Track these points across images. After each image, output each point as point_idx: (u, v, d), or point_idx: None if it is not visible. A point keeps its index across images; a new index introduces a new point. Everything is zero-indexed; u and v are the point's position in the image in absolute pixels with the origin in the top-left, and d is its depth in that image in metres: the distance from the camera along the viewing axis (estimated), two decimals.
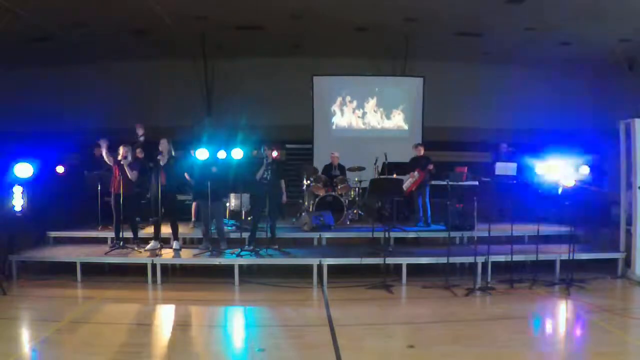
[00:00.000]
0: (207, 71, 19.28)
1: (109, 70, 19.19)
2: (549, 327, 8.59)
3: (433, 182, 13.87)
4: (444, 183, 12.34)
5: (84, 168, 14.32)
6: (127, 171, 11.81)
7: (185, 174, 12.51)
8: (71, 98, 18.91)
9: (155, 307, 9.90)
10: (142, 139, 12.95)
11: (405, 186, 13.29)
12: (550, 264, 11.28)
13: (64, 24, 15.39)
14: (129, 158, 11.93)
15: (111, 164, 12.01)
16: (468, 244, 12.76)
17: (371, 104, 19.02)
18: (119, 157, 11.92)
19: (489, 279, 10.64)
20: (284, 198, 12.56)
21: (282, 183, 12.43)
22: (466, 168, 14.17)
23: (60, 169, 14.76)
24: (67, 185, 14.49)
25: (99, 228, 13.43)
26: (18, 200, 11.31)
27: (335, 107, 19.01)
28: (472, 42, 17.24)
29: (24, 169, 11.09)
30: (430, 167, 13.73)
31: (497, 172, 14.30)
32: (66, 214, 14.21)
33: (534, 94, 19.07)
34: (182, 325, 8.65)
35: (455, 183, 12.65)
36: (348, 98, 19.05)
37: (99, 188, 13.29)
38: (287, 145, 18.92)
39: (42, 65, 18.89)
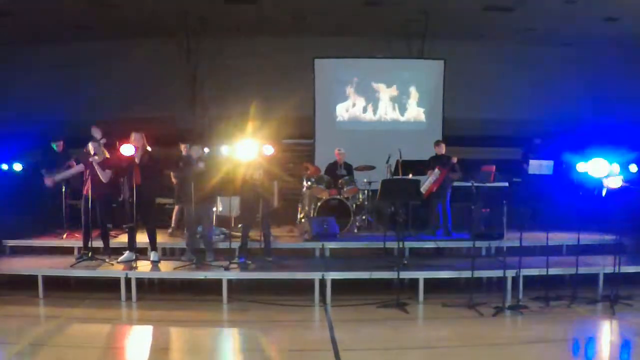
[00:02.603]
0: (190, 53, 19.29)
1: (72, 51, 19.16)
2: (590, 352, 8.54)
3: (455, 184, 13.85)
4: (468, 185, 12.27)
5: (43, 166, 14.31)
6: (97, 171, 11.81)
7: (172, 174, 12.54)
8: (26, 85, 18.90)
9: (129, 328, 9.88)
10: (102, 141, 12.76)
11: (423, 188, 13.29)
12: (592, 279, 11.21)
13: None
14: (100, 156, 11.93)
15: (80, 169, 12.07)
16: (496, 256, 12.75)
17: (383, 91, 19.00)
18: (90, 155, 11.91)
19: (520, 296, 10.59)
20: (275, 202, 12.55)
21: (274, 185, 12.43)
22: (494, 167, 14.13)
23: (17, 167, 14.79)
24: (25, 186, 14.52)
25: (64, 236, 13.44)
26: None
27: (340, 96, 19.01)
28: (502, 19, 17.23)
29: None
30: (454, 159, 13.69)
31: (530, 171, 14.29)
32: (25, 220, 14.21)
33: (572, 81, 19.09)
34: (161, 350, 8.61)
35: (481, 184, 12.63)
36: (356, 85, 19.04)
37: (64, 189, 13.32)
38: (284, 141, 18.91)
39: None
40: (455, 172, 13.80)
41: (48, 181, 12.17)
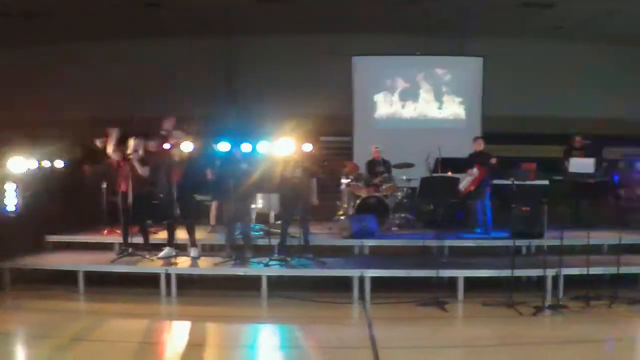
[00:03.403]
0: (230, 51, 19.39)
1: (114, 49, 19.37)
2: (630, 353, 8.48)
3: (495, 182, 13.82)
4: (508, 182, 12.24)
5: (85, 163, 14.49)
6: (136, 167, 11.96)
7: (208, 171, 12.64)
8: (71, 82, 19.12)
9: (168, 323, 10.03)
10: (164, 132, 12.70)
11: (462, 186, 13.29)
12: (634, 279, 11.17)
13: None
14: (140, 152, 12.09)
15: (118, 158, 12.19)
16: (536, 255, 12.70)
17: (422, 89, 18.99)
18: (128, 151, 12.06)
19: (560, 296, 10.53)
20: (314, 200, 12.61)
21: (314, 182, 12.48)
22: (534, 165, 14.07)
23: (59, 164, 14.97)
24: (67, 183, 14.71)
25: (104, 232, 13.65)
26: (11, 199, 11.49)
27: (379, 93, 19.03)
28: (542, 15, 17.11)
29: (18, 164, 11.33)
30: (493, 160, 13.67)
31: (571, 169, 14.19)
32: (66, 216, 14.40)
33: (615, 77, 18.91)
34: (199, 346, 8.66)
35: (521, 182, 12.54)
36: (394, 82, 19.04)
37: (104, 186, 13.49)
38: (323, 138, 18.92)
39: (34, 44, 19.11)
40: (493, 172, 13.75)
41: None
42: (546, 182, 13.84)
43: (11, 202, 11.53)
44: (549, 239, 12.04)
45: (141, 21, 17.80)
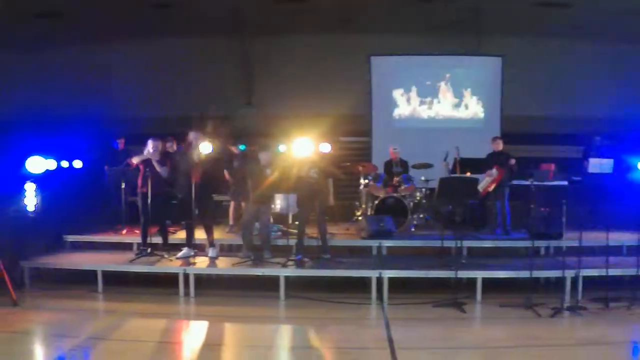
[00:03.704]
0: (246, 52, 19.43)
1: (129, 51, 19.45)
2: None
3: (514, 182, 13.78)
4: (527, 183, 12.20)
5: (105, 163, 14.58)
6: (156, 167, 12.03)
7: (225, 172, 12.68)
8: (88, 83, 19.23)
9: (187, 323, 10.10)
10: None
11: (481, 187, 13.27)
12: None
13: None
14: (157, 153, 12.15)
15: (139, 159, 12.26)
16: (555, 256, 12.66)
17: (440, 88, 18.94)
18: (146, 152, 12.13)
19: (579, 297, 10.50)
20: (330, 200, 12.62)
21: (330, 183, 12.50)
22: (553, 165, 14.03)
23: (77, 164, 15.06)
24: (85, 183, 14.80)
25: (123, 232, 13.73)
26: (30, 199, 11.57)
27: (396, 93, 19.01)
28: (560, 14, 17.05)
29: (37, 164, 11.41)
30: (512, 161, 13.63)
31: (590, 169, 14.15)
32: (85, 216, 14.50)
33: (635, 76, 18.80)
34: (217, 346, 8.73)
35: (540, 183, 12.54)
36: (412, 82, 19.00)
37: (123, 186, 13.57)
38: (341, 139, 18.93)
39: (53, 46, 19.23)
40: (513, 173, 13.71)
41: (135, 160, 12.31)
42: (565, 182, 13.85)
43: (31, 202, 11.59)
44: (568, 240, 12.03)
45: (155, 22, 17.87)
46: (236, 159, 13.43)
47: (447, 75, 18.90)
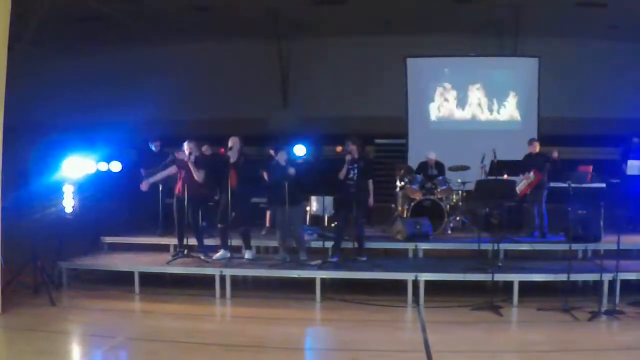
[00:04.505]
0: (282, 54, 19.49)
1: (167, 54, 19.62)
2: None
3: (552, 185, 13.70)
4: (565, 185, 12.10)
5: (141, 165, 14.71)
6: (192, 170, 12.12)
7: (264, 174, 12.76)
8: (126, 85, 19.42)
9: (223, 324, 10.24)
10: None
11: (518, 189, 13.21)
12: None
13: None
14: (194, 155, 12.25)
15: (170, 172, 12.38)
16: (592, 259, 12.50)
17: (476, 90, 18.86)
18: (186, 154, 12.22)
19: (617, 301, 10.34)
20: (371, 201, 12.62)
21: (370, 184, 12.51)
22: (591, 167, 13.94)
23: (115, 166, 15.21)
24: (123, 185, 14.95)
25: (160, 234, 13.86)
26: (69, 201, 11.70)
27: (433, 95, 18.95)
28: (597, 14, 16.92)
29: (75, 166, 11.54)
30: (555, 154, 13.50)
31: (629, 171, 14.04)
32: (122, 218, 14.64)
33: None
34: (253, 347, 8.75)
35: (577, 185, 12.44)
36: (448, 84, 18.94)
37: (160, 189, 13.68)
38: (377, 141, 18.95)
39: (91, 50, 19.47)
40: (555, 171, 13.59)
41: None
42: (603, 184, 13.74)
43: (69, 204, 11.71)
44: (606, 243, 11.93)
45: (193, 25, 17.99)
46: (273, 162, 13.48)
47: (484, 77, 18.79)
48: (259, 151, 13.78)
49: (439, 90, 18.90)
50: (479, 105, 18.79)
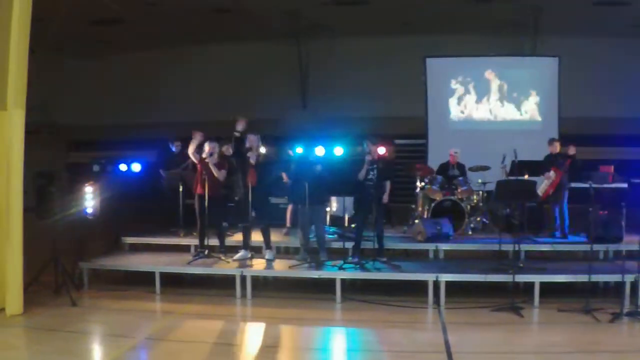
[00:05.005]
0: (301, 55, 19.51)
1: (186, 56, 19.71)
2: None
3: (572, 185, 13.64)
4: (586, 186, 12.03)
5: (160, 167, 14.78)
6: (213, 170, 12.16)
7: (283, 174, 12.76)
8: (146, 87, 19.51)
9: (243, 325, 10.21)
10: (237, 134, 12.39)
11: (541, 190, 13.17)
12: None
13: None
14: (215, 155, 12.29)
15: (196, 161, 12.41)
16: (614, 259, 12.48)
17: (496, 90, 18.79)
18: (204, 154, 12.26)
19: (639, 302, 10.27)
20: (385, 198, 12.58)
21: (388, 184, 12.50)
22: (612, 167, 13.88)
23: (136, 167, 15.29)
24: (143, 186, 15.02)
25: (181, 234, 13.92)
26: (90, 201, 11.77)
27: (452, 95, 18.92)
28: (617, 13, 16.82)
29: (98, 167, 11.64)
30: (572, 151, 13.42)
31: None
32: (143, 218, 14.71)
33: None
34: (273, 348, 8.79)
35: (599, 185, 12.38)
36: (468, 84, 18.90)
37: (181, 189, 13.74)
38: (397, 141, 18.93)
39: (110, 53, 19.58)
40: (577, 170, 13.52)
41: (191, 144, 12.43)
42: (625, 185, 13.66)
43: (90, 205, 11.78)
44: (628, 244, 11.86)
45: (213, 27, 18.04)
46: (293, 162, 13.49)
47: (504, 77, 18.72)
48: (278, 151, 13.77)
49: (459, 90, 18.86)
50: (499, 105, 18.71)
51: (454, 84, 18.91)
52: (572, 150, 13.49)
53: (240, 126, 12.16)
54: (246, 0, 16.08)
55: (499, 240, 11.86)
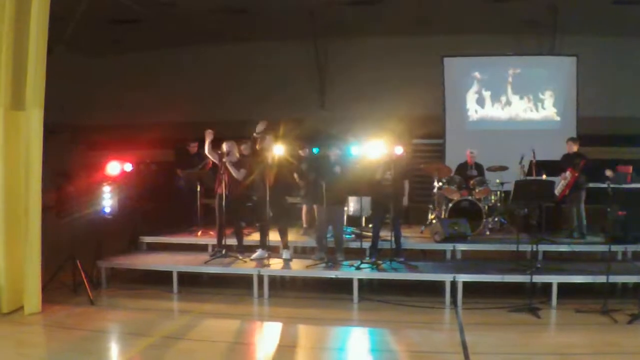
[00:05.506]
0: (318, 55, 19.52)
1: (204, 55, 19.79)
2: None
3: (591, 185, 13.58)
4: (604, 186, 11.97)
5: (177, 166, 14.85)
6: (231, 170, 12.19)
7: (295, 175, 12.79)
8: (164, 87, 19.58)
9: (260, 324, 10.24)
10: (256, 135, 12.57)
11: (557, 190, 13.13)
12: None
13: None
14: (233, 155, 12.33)
15: (215, 160, 12.45)
16: (632, 260, 12.44)
17: (514, 89, 18.74)
18: (222, 154, 12.29)
19: None
20: (405, 201, 12.59)
21: (406, 185, 12.49)
22: (631, 167, 13.78)
23: (153, 167, 15.36)
24: (161, 185, 15.09)
25: (198, 233, 13.99)
26: (108, 201, 11.83)
27: (470, 95, 18.88)
28: (637, 12, 16.73)
29: (114, 166, 11.69)
30: (582, 162, 13.39)
31: None
32: (160, 218, 14.78)
33: None
34: (290, 347, 8.82)
35: (617, 186, 12.33)
36: (486, 83, 18.86)
37: (199, 189, 13.79)
38: (414, 141, 18.91)
39: (128, 52, 19.66)
40: (590, 172, 13.48)
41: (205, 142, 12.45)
42: None
43: (108, 204, 11.83)
44: None
45: (230, 27, 18.08)
46: (305, 162, 13.49)
47: (522, 76, 18.67)
48: (296, 151, 13.78)
49: (476, 89, 18.82)
50: (517, 104, 18.66)
51: (471, 84, 18.88)
52: (574, 148, 13.47)
53: (260, 127, 12.24)
54: (263, 0, 16.11)
55: (517, 240, 11.81)
